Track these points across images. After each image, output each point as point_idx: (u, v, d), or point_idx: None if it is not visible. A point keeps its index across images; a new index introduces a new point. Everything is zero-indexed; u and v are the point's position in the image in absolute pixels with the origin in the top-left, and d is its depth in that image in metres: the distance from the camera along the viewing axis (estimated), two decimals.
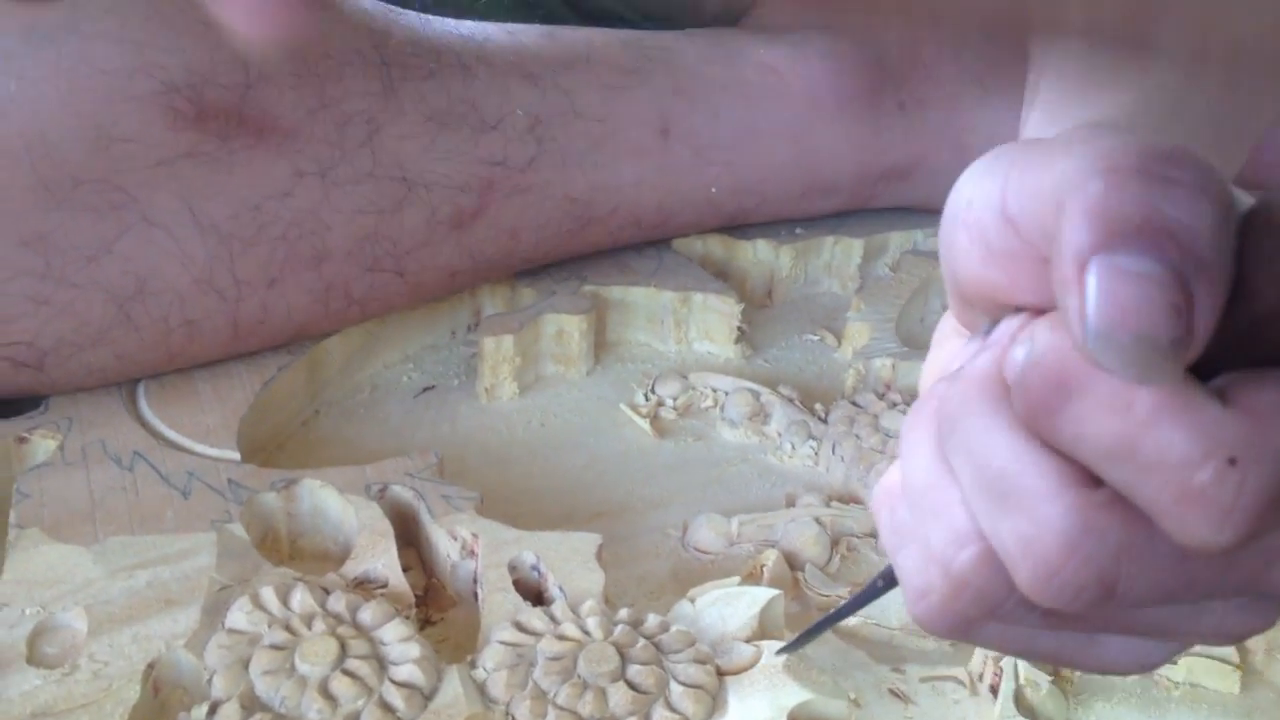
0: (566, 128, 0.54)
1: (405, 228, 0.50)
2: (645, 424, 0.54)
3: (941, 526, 0.26)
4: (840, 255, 0.67)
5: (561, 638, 0.38)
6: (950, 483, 0.27)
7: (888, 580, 0.32)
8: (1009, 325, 0.27)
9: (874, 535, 0.48)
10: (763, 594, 0.41)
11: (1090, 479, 0.24)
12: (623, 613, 0.40)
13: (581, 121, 0.55)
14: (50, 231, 0.43)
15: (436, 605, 0.43)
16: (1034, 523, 0.24)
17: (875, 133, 0.63)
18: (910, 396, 0.53)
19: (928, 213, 0.69)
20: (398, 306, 0.53)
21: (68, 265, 0.43)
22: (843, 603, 0.34)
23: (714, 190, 0.60)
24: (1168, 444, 0.22)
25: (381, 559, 0.42)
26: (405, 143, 0.49)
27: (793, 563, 0.46)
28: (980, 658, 0.41)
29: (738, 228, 0.66)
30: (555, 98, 0.54)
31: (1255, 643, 0.43)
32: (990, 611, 0.26)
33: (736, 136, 0.60)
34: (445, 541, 0.43)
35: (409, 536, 0.45)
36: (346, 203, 0.48)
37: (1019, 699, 0.39)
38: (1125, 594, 0.24)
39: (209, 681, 0.36)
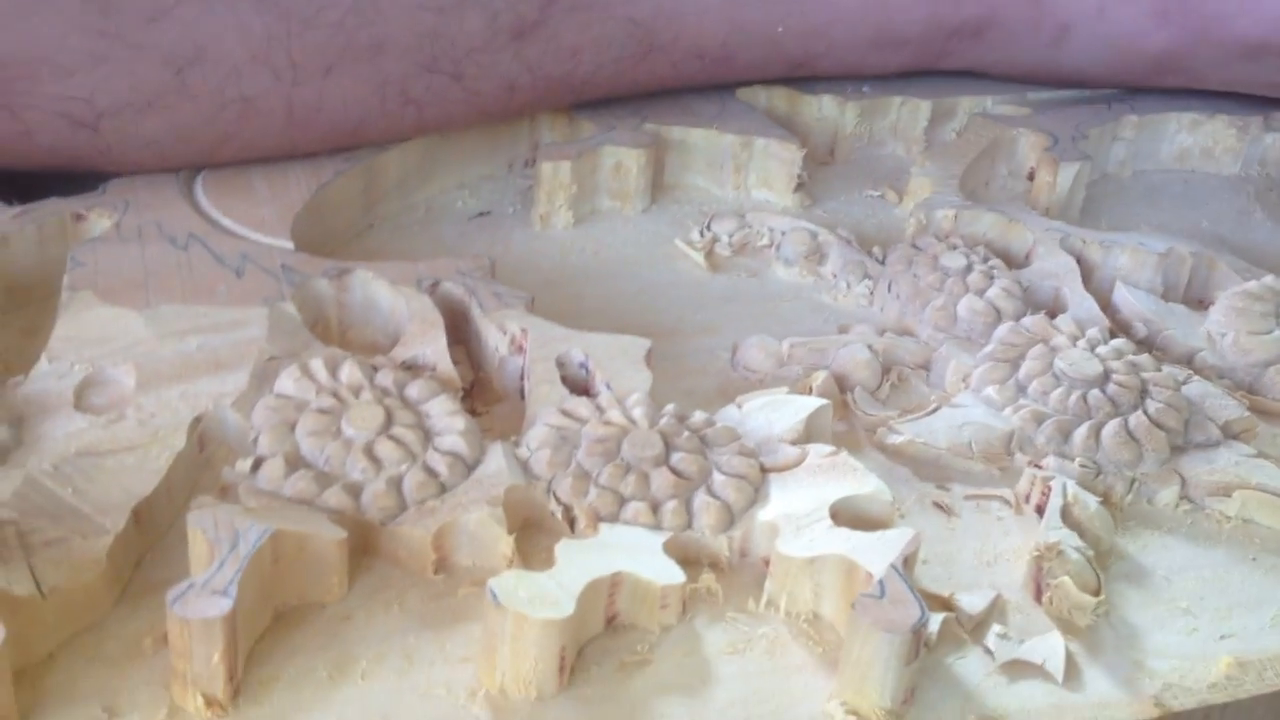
0: None
1: (464, 29, 0.49)
2: (699, 257, 0.54)
3: None
4: (907, 116, 0.66)
5: (607, 423, 0.38)
6: None
7: None
8: None
9: (926, 367, 0.47)
10: (811, 401, 0.41)
11: None
12: (669, 407, 0.39)
13: None
14: None
15: (483, 399, 0.43)
16: None
17: None
18: (971, 242, 0.52)
19: (999, 79, 0.67)
20: (456, 116, 0.53)
21: (127, 24, 0.42)
22: None
23: (780, 30, 0.59)
24: None
25: (430, 345, 0.41)
26: None
27: (842, 385, 0.45)
28: (1028, 479, 0.41)
29: (804, 80, 0.64)
30: None
31: None
32: None
33: None
34: (494, 335, 0.43)
35: (458, 334, 0.45)
36: None
37: (1065, 514, 0.39)
38: None
39: (254, 440, 0.37)
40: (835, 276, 0.53)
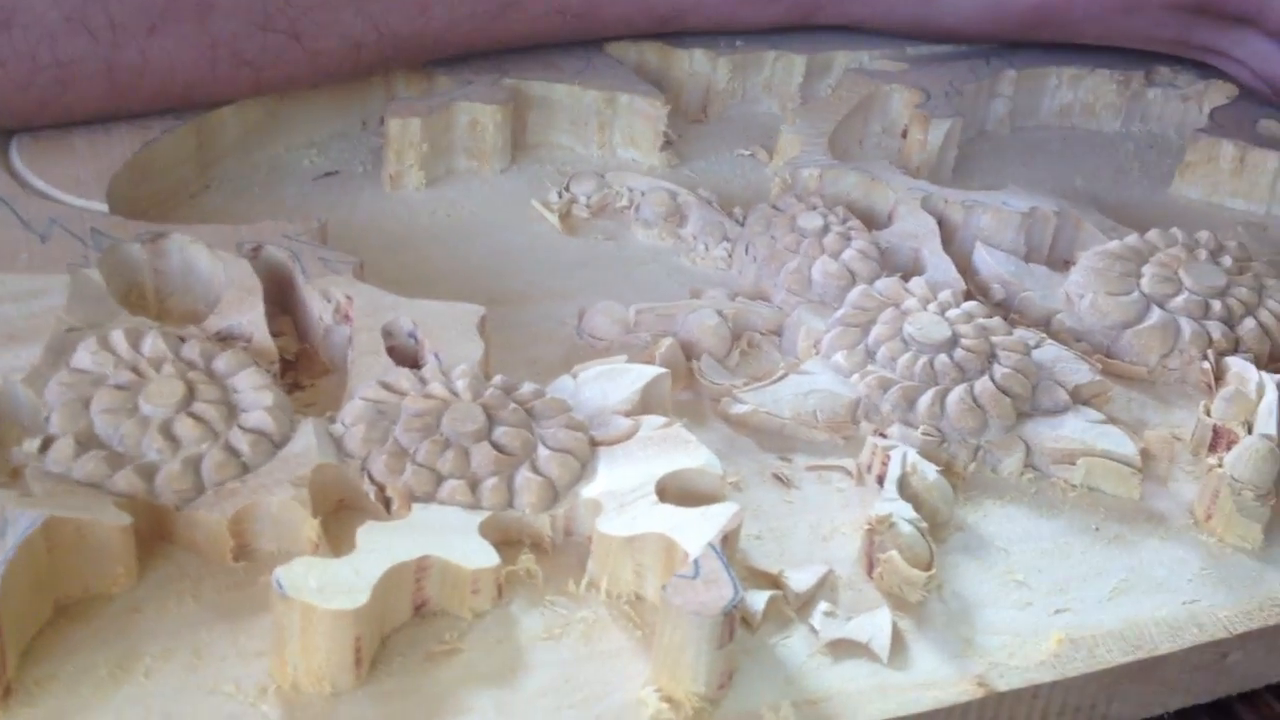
0: None
1: None
2: (554, 219, 0.52)
3: None
4: (781, 72, 0.64)
5: (427, 396, 0.36)
6: None
7: None
8: None
9: (777, 332, 0.46)
10: (648, 371, 0.39)
11: None
12: (496, 379, 0.38)
13: None
14: None
15: (308, 372, 0.41)
16: None
17: None
18: (834, 203, 0.51)
19: (876, 33, 0.66)
20: (299, 79, 0.50)
21: None
22: None
23: None
24: None
25: (247, 315, 0.39)
26: None
27: (689, 352, 0.44)
28: (869, 449, 0.40)
29: (675, 36, 0.63)
30: None
31: (1162, 451, 0.42)
32: None
33: None
34: (318, 303, 0.41)
35: (285, 303, 0.43)
36: None
37: (903, 485, 0.38)
38: None
39: (46, 418, 0.34)
40: (695, 239, 0.52)
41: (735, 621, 0.31)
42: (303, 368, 0.41)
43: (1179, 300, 0.47)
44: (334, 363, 0.41)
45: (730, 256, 0.50)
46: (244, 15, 0.46)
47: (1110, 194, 0.62)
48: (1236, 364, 0.45)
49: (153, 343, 0.37)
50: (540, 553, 0.35)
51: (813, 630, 0.34)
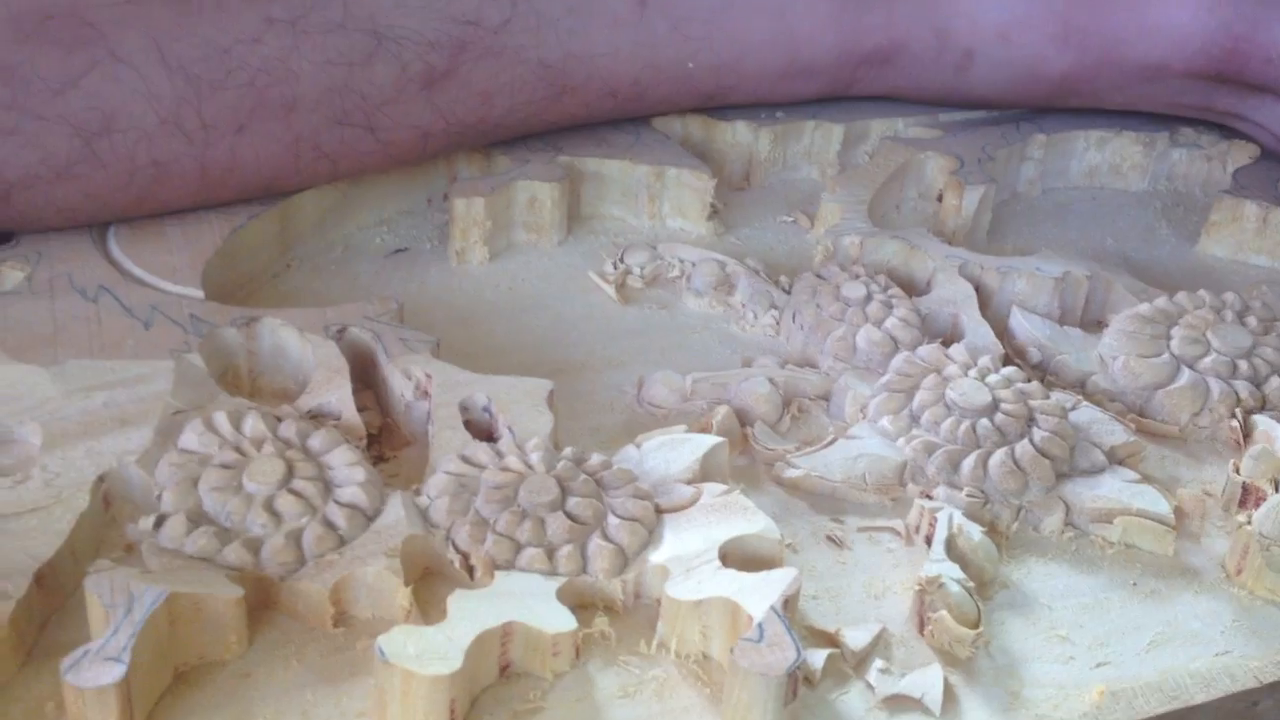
0: None
1: (375, 82, 0.50)
2: (611, 290, 0.55)
3: None
4: (820, 140, 0.67)
5: (504, 469, 0.39)
6: None
7: None
8: None
9: (825, 398, 0.48)
10: (707, 440, 0.42)
11: None
12: (567, 451, 0.41)
13: None
14: (18, 64, 0.43)
15: (390, 444, 0.44)
16: None
17: (858, 14, 0.62)
18: (875, 270, 0.54)
19: (910, 102, 0.69)
20: (370, 165, 0.54)
21: (34, 98, 0.43)
22: None
23: (691, 65, 0.60)
24: None
25: (335, 394, 0.42)
26: None
27: (743, 419, 0.47)
28: (917, 511, 0.42)
29: (717, 109, 0.66)
30: None
31: (1194, 509, 0.44)
32: None
33: (715, 11, 0.59)
34: (399, 381, 0.44)
35: (367, 379, 0.46)
36: (316, 52, 0.48)
37: (950, 546, 0.40)
38: None
39: (158, 497, 0.37)
40: (744, 307, 0.54)
41: (798, 681, 0.33)
42: (386, 440, 0.44)
43: (1207, 361, 0.49)
44: (415, 435, 0.44)
45: (778, 324, 0.53)
46: (324, 112, 0.50)
47: (1140, 252, 0.64)
48: (1264, 422, 0.47)
49: (253, 423, 0.40)
50: (612, 615, 0.37)
51: (869, 686, 0.36)
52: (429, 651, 0.32)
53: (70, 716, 0.30)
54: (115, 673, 0.30)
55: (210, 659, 0.35)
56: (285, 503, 0.37)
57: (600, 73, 0.57)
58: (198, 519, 0.37)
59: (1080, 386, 0.50)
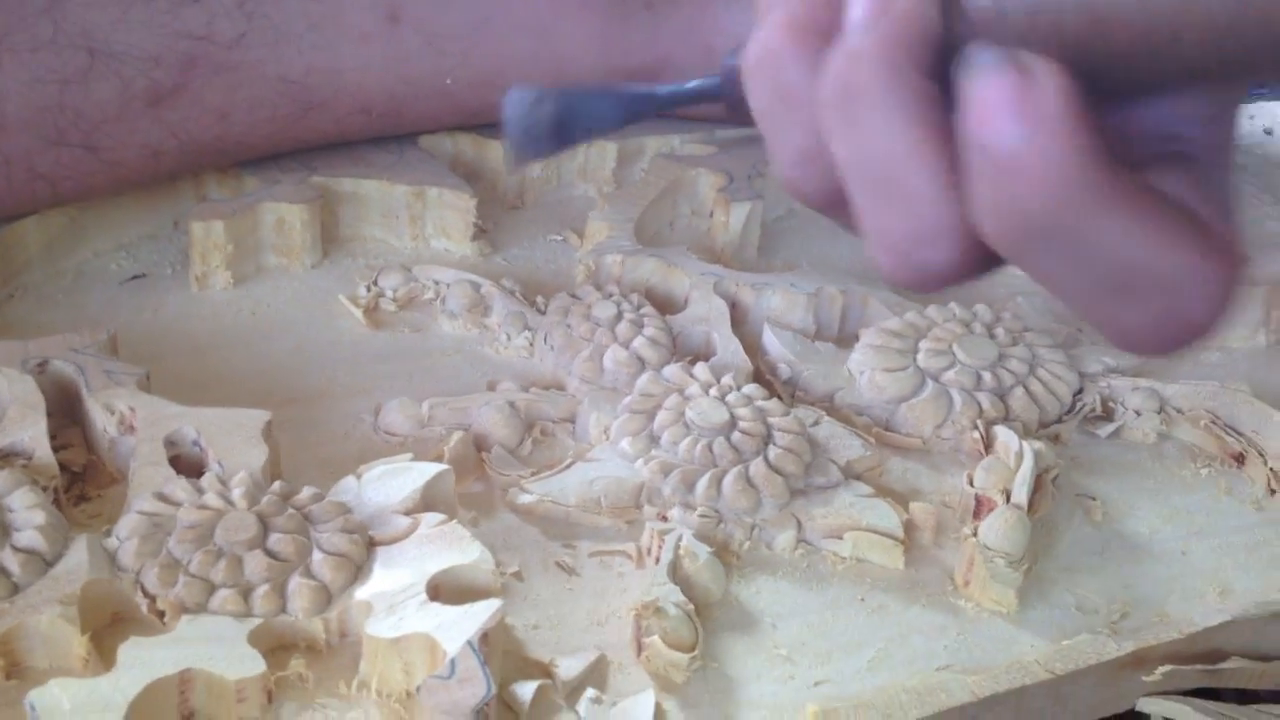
0: (280, 6, 0.52)
1: (92, 99, 0.48)
2: (359, 314, 0.53)
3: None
4: (595, 158, 0.66)
5: (202, 507, 0.37)
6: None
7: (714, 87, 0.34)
8: None
9: (570, 420, 0.47)
10: (429, 468, 0.41)
11: None
12: (275, 485, 0.39)
13: (298, 0, 0.53)
14: None
15: (95, 483, 0.42)
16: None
17: (621, 31, 0.62)
18: (634, 289, 0.53)
19: (683, 119, 0.68)
20: (97, 187, 0.51)
21: None
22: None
23: (450, 82, 0.59)
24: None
25: (29, 431, 0.40)
26: (92, 11, 0.47)
27: (482, 444, 0.46)
28: (649, 533, 0.41)
29: (487, 126, 0.65)
30: None
31: (925, 521, 0.44)
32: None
33: (472, 26, 0.58)
34: (101, 415, 0.42)
35: (76, 414, 0.43)
36: (23, 71, 0.46)
37: (675, 569, 0.40)
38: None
39: None
40: (499, 328, 0.53)
41: (488, 717, 0.32)
42: (90, 479, 0.42)
43: (951, 373, 0.50)
44: (120, 473, 0.42)
45: (531, 345, 0.52)
46: (35, 131, 0.47)
47: None
48: (1003, 433, 0.47)
49: None
50: (315, 655, 0.36)
51: (579, 717, 0.35)
52: (89, 704, 0.30)
53: None
54: None
55: None
56: None
57: (349, 88, 0.56)
58: None
59: (828, 401, 0.50)
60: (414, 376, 0.50)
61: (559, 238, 0.63)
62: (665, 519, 0.42)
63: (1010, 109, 0.24)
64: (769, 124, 0.31)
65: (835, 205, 0.30)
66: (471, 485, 0.44)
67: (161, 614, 0.35)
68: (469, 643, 0.33)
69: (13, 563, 0.35)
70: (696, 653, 0.37)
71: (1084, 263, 0.26)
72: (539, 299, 0.54)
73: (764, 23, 0.30)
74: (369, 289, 0.55)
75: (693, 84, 0.36)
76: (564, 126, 0.36)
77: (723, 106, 0.35)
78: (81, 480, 0.42)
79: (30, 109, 0.47)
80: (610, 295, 0.52)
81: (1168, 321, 0.26)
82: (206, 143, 0.53)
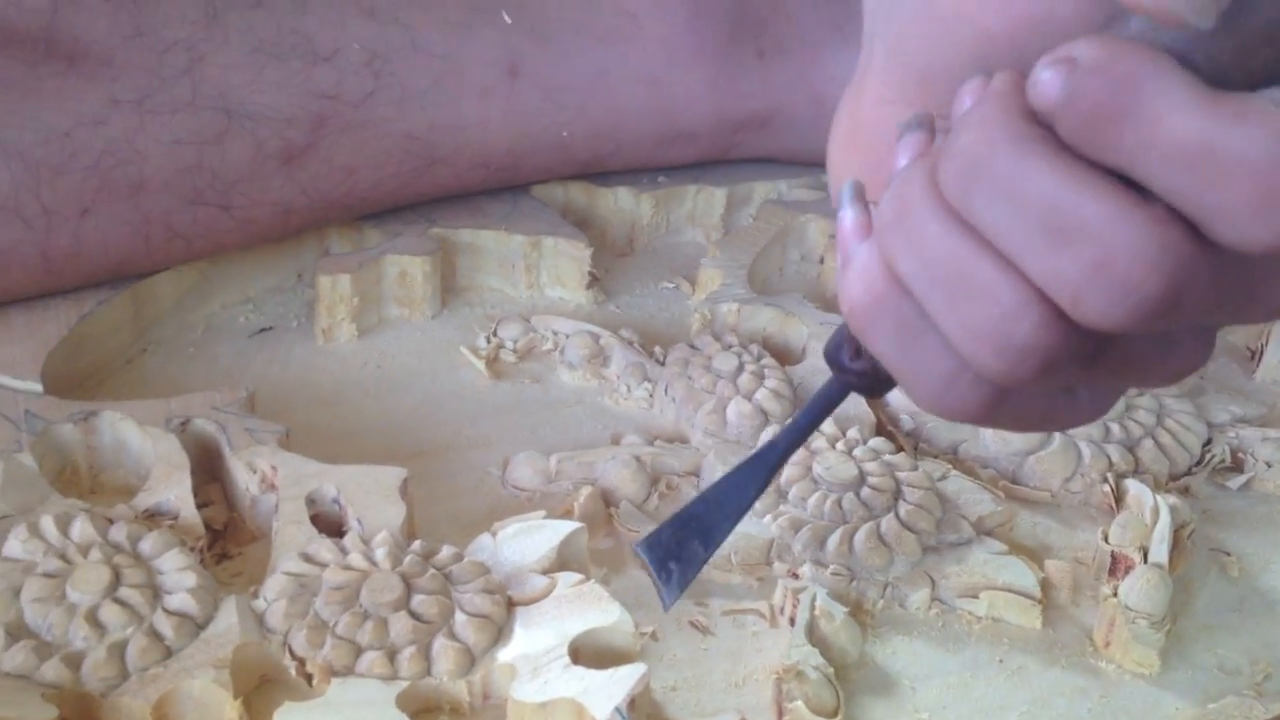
0: (406, 63, 0.53)
1: (228, 160, 0.49)
2: (481, 365, 0.54)
3: (985, 304, 0.28)
4: (703, 204, 0.67)
5: (347, 567, 0.38)
6: (981, 252, 0.28)
7: (838, 389, 0.34)
8: (975, 83, 0.29)
9: (695, 474, 0.47)
10: (564, 526, 0.41)
11: (1144, 198, 0.25)
12: (416, 545, 0.39)
13: (422, 57, 0.54)
14: None
15: (236, 541, 0.43)
16: (1105, 247, 0.25)
17: (733, 80, 0.62)
18: (751, 339, 0.53)
19: (791, 164, 0.68)
20: (229, 244, 0.52)
21: None
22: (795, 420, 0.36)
23: (566, 134, 0.59)
24: (1250, 142, 0.24)
25: (174, 490, 0.41)
26: (229, 73, 0.48)
27: (610, 499, 0.46)
28: (781, 591, 0.41)
29: (598, 175, 0.65)
30: (394, 32, 0.53)
31: (1061, 580, 0.44)
32: (1046, 372, 0.28)
33: (589, 79, 0.59)
34: (243, 474, 0.42)
35: (215, 472, 0.44)
36: (164, 132, 0.47)
37: (812, 630, 0.39)
38: (1184, 307, 0.26)
39: None
40: (618, 379, 0.53)
41: None
42: (231, 536, 0.43)
43: None
44: (261, 530, 0.43)
45: (652, 396, 0.52)
46: (174, 192, 0.48)
47: None
48: (1134, 486, 0.46)
49: (81, 527, 0.38)
50: (459, 718, 0.36)
51: None
52: None
53: None
54: None
55: None
56: (109, 613, 0.35)
57: (471, 143, 0.56)
58: (18, 633, 0.35)
59: (952, 454, 0.49)
60: (537, 429, 0.51)
61: (671, 285, 0.63)
62: (796, 576, 0.42)
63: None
64: (903, 359, 0.31)
65: (997, 408, 0.30)
66: (600, 541, 0.44)
67: (310, 677, 0.36)
68: (618, 709, 0.33)
69: (166, 626, 0.36)
70: (839, 718, 0.37)
71: (1015, 203, 0.26)
72: (656, 349, 0.54)
73: (846, 268, 0.31)
74: (489, 339, 0.55)
75: (810, 407, 0.36)
76: (695, 546, 0.36)
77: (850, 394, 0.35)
78: (223, 538, 0.42)
79: (169, 170, 0.48)
80: (730, 346, 0.52)
81: (1102, 276, 0.26)
82: (334, 199, 0.54)
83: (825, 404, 0.35)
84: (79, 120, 0.46)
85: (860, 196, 0.32)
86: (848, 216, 0.32)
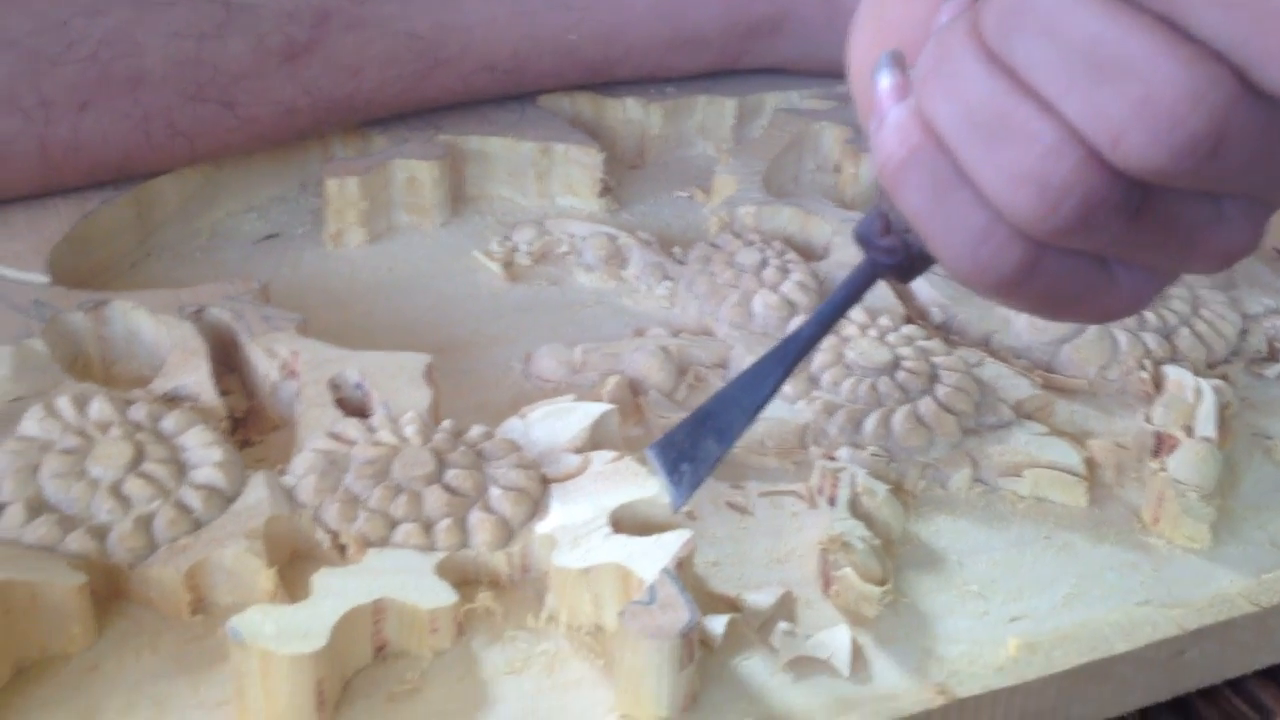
0: None
1: (230, 54, 0.47)
2: (497, 267, 0.52)
3: (1025, 145, 0.26)
4: (713, 115, 0.65)
5: (377, 444, 0.37)
6: (1022, 94, 0.26)
7: (867, 271, 0.33)
8: None
9: (723, 365, 0.46)
10: (596, 407, 0.40)
11: (1188, 37, 0.24)
12: (445, 423, 0.38)
13: None
14: None
15: (257, 428, 0.41)
16: (1148, 83, 0.24)
17: None
18: (771, 238, 0.52)
19: (803, 75, 0.67)
20: (232, 145, 0.51)
21: None
22: (829, 301, 0.34)
23: (573, 37, 0.58)
24: None
25: (192, 375, 0.39)
26: None
27: (637, 389, 0.44)
28: (819, 473, 0.40)
29: (606, 85, 0.64)
30: None
31: (1106, 459, 0.43)
32: (1086, 219, 0.27)
33: None
34: (263, 360, 0.41)
35: (231, 363, 0.43)
36: (162, 24, 0.46)
37: (854, 505, 0.38)
38: (1227, 151, 0.25)
39: None
40: (636, 280, 0.52)
41: (694, 643, 0.31)
42: (252, 425, 0.41)
43: None
44: (282, 418, 0.41)
45: (672, 295, 0.51)
46: (175, 87, 0.47)
47: None
48: (1174, 372, 0.45)
49: (99, 407, 0.37)
50: (497, 590, 0.35)
51: (773, 650, 0.34)
52: (289, 630, 0.30)
53: None
54: None
55: (54, 652, 0.31)
56: (134, 487, 0.34)
57: (476, 44, 0.55)
58: (38, 507, 0.34)
59: (984, 345, 0.48)
60: (557, 327, 0.49)
61: (684, 194, 0.61)
62: (832, 459, 0.41)
63: None
64: (935, 215, 0.29)
65: (1030, 273, 0.29)
66: (629, 429, 0.43)
67: (342, 549, 0.34)
68: (665, 570, 0.32)
69: (193, 499, 0.34)
70: (888, 586, 0.36)
71: (1057, 41, 0.26)
72: (675, 250, 0.53)
73: (882, 126, 0.30)
74: (501, 244, 0.54)
75: (836, 293, 0.34)
76: (709, 444, 0.35)
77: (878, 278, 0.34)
78: (243, 426, 0.41)
79: (169, 63, 0.46)
80: (752, 243, 0.51)
81: (1144, 113, 0.25)
82: (338, 100, 0.52)
83: (852, 289, 0.34)
84: (76, 9, 0.44)
85: (899, 62, 0.31)
86: (885, 78, 0.31)
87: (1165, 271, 0.30)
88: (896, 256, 0.32)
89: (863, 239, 0.33)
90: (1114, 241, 0.28)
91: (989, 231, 0.28)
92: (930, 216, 0.29)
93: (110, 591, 0.33)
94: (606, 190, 0.59)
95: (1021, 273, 0.29)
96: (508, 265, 0.53)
